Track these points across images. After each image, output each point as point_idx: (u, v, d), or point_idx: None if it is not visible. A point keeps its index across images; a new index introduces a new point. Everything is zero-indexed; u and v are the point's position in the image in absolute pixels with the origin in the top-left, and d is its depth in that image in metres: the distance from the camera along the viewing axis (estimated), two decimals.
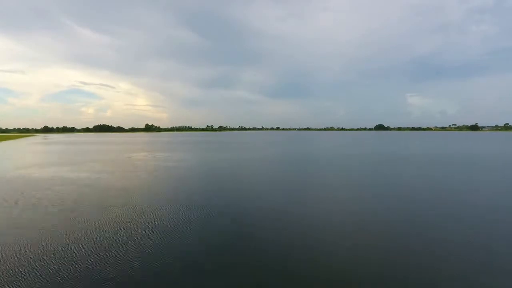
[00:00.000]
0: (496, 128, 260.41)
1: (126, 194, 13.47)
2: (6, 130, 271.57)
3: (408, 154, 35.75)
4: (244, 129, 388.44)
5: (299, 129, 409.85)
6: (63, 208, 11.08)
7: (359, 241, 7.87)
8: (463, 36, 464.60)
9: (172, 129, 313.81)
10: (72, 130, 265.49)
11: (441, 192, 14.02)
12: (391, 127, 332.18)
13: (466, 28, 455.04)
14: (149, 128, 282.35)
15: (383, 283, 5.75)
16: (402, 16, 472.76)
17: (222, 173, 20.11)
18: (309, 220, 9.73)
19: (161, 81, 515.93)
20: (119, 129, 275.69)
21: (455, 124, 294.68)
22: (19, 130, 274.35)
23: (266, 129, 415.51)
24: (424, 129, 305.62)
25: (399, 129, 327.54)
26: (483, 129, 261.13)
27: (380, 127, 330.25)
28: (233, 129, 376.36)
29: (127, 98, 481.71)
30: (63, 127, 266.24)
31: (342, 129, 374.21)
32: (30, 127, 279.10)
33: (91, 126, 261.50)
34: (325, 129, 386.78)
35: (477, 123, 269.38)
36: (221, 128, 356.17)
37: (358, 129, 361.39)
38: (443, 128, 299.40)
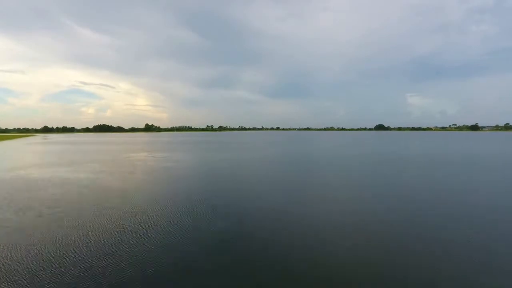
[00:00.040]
0: (496, 128, 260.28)
1: (126, 195, 13.47)
2: (6, 130, 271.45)
3: (408, 154, 35.75)
4: (244, 129, 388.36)
5: (299, 129, 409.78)
6: (58, 210, 11.07)
7: (359, 241, 7.87)
8: (463, 36, 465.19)
9: (172, 129, 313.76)
10: (71, 130, 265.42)
11: (441, 192, 14.02)
12: (391, 127, 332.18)
13: (466, 28, 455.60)
14: (149, 128, 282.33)
15: (383, 283, 5.75)
16: (402, 16, 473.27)
17: (222, 173, 20.11)
18: (309, 220, 9.73)
19: (161, 81, 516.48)
20: (119, 129, 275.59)
21: (455, 124, 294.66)
22: (19, 130, 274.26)
23: (266, 129, 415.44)
24: (424, 129, 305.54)
25: (399, 129, 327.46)
26: (484, 129, 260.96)
27: (380, 127, 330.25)
28: (233, 129, 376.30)
29: (127, 98, 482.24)
30: (63, 127, 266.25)
31: (342, 129, 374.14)
32: (30, 127, 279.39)
33: (91, 126, 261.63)
34: (325, 129, 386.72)
35: (477, 123, 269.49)
36: (221, 128, 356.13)
37: (358, 129, 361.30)
38: (443, 128, 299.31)
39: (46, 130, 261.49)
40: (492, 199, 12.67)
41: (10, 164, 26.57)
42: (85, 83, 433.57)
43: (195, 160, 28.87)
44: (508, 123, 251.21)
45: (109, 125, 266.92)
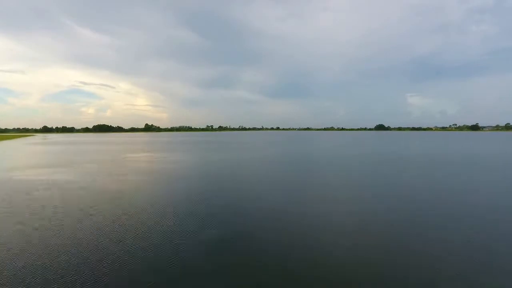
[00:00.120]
0: (497, 128, 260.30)
1: (125, 195, 13.46)
2: (6, 130, 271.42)
3: (408, 154, 35.75)
4: (244, 129, 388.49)
5: (299, 129, 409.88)
6: (58, 210, 11.07)
7: (359, 241, 7.86)
8: (463, 36, 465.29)
9: (172, 129, 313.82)
10: (71, 130, 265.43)
11: (441, 192, 14.02)
12: (391, 127, 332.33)
13: (466, 28, 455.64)
14: (148, 128, 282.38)
15: (383, 283, 5.74)
16: (402, 16, 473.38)
17: (222, 173, 20.10)
18: (309, 220, 9.72)
19: (161, 81, 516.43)
20: (119, 129, 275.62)
21: (456, 124, 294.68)
22: (18, 130, 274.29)
23: (266, 129, 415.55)
24: (424, 129, 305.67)
25: (399, 129, 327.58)
26: (484, 129, 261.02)
27: (380, 127, 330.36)
28: (233, 129, 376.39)
29: (127, 98, 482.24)
30: (62, 127, 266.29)
31: (342, 129, 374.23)
32: (30, 127, 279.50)
33: (91, 126, 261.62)
34: (325, 129, 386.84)
35: (477, 123, 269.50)
36: (221, 128, 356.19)
37: (358, 129, 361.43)
38: (443, 128, 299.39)
39: (45, 130, 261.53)
40: (492, 199, 12.66)
41: (8, 164, 26.56)
42: (85, 83, 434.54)
43: (195, 160, 28.86)
44: (509, 123, 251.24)
45: (109, 125, 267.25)
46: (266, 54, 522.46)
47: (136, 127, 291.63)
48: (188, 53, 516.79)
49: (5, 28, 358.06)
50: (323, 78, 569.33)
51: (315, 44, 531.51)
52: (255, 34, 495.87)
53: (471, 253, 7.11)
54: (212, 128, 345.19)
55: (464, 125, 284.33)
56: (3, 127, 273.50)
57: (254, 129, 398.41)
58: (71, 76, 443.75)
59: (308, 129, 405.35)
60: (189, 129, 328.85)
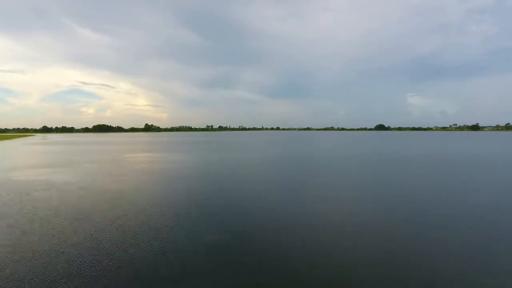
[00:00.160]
0: (497, 128, 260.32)
1: (125, 196, 13.46)
2: (5, 130, 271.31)
3: (408, 154, 35.76)
4: (244, 129, 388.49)
5: (299, 129, 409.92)
6: (57, 210, 11.06)
7: (359, 241, 7.86)
8: (463, 36, 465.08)
9: (172, 129, 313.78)
10: (71, 130, 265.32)
11: (441, 192, 14.02)
12: (391, 127, 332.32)
13: (466, 28, 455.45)
14: (148, 128, 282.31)
15: (383, 283, 5.74)
16: (402, 16, 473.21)
17: (222, 173, 20.10)
18: (309, 220, 9.72)
19: (161, 81, 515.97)
20: (119, 129, 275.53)
21: (456, 124, 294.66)
22: (18, 130, 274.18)
23: (266, 129, 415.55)
24: (424, 129, 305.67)
25: (400, 129, 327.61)
26: (484, 129, 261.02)
27: (380, 127, 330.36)
28: (233, 129, 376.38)
29: (127, 98, 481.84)
30: (62, 127, 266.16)
31: (342, 129, 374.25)
32: (30, 127, 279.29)
33: (90, 126, 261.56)
34: (325, 129, 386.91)
35: (477, 123, 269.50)
36: (221, 128, 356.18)
37: (358, 129, 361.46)
38: (443, 128, 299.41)
39: (45, 130, 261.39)
40: (492, 199, 12.66)
41: (7, 164, 26.56)
42: (85, 83, 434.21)
43: (194, 160, 28.85)
44: (509, 123, 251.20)
45: (109, 125, 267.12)
46: (266, 54, 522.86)
47: (136, 127, 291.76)
48: (188, 53, 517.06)
49: (5, 28, 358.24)
50: (323, 78, 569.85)
51: (315, 44, 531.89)
52: (255, 34, 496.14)
53: (471, 253, 7.10)
54: (212, 128, 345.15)
55: (464, 125, 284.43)
56: (3, 127, 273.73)
57: (254, 129, 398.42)
58: (71, 76, 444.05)
59: (308, 129, 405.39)
60: (189, 129, 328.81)
